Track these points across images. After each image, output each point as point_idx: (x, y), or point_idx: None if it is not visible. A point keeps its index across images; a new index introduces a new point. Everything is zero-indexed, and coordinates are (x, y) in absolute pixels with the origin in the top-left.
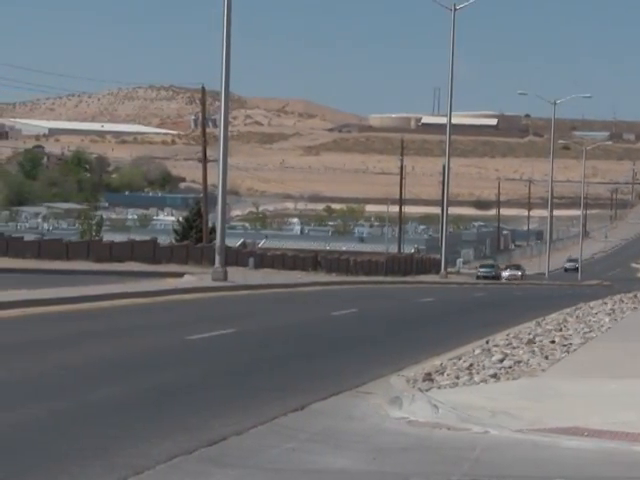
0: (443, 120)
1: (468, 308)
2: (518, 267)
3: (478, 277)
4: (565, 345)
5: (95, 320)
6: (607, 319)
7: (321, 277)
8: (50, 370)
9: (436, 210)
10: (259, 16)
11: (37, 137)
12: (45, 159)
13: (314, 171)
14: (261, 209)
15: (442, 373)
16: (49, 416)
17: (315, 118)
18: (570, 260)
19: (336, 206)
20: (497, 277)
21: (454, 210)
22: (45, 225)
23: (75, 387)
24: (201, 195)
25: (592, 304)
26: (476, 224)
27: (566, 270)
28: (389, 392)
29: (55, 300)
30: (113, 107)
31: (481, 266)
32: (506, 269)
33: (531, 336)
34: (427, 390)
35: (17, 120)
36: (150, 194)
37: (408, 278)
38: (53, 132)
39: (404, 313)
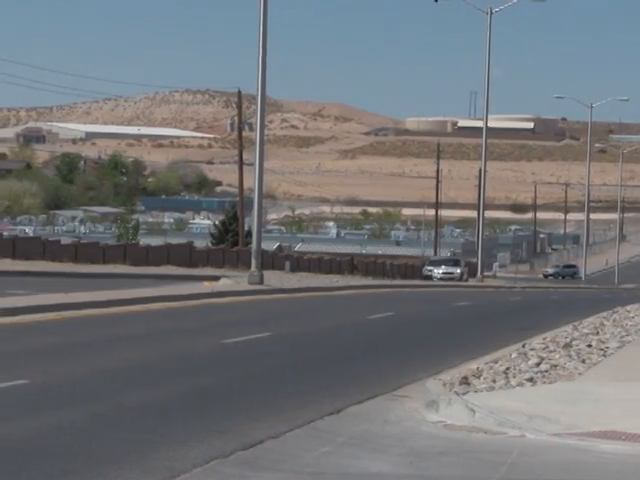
0: (479, 123)
1: (504, 312)
2: (457, 262)
3: (425, 277)
4: (602, 349)
5: (131, 323)
6: None
7: (357, 281)
8: (87, 373)
9: (472, 214)
10: (295, 20)
11: (74, 141)
12: (82, 163)
13: (350, 175)
14: (297, 213)
15: (479, 377)
16: (86, 419)
17: (351, 122)
18: (567, 266)
19: (372, 210)
20: (429, 277)
21: (490, 214)
22: (82, 229)
23: (111, 390)
24: (237, 199)
25: (629, 308)
26: (512, 228)
27: (545, 276)
28: (426, 396)
29: (91, 303)
30: (149, 111)
31: (429, 263)
32: (440, 265)
33: (568, 340)
34: (464, 394)
35: (54, 124)
36: (186, 198)
37: (444, 282)
38: (90, 136)
39: (440, 317)
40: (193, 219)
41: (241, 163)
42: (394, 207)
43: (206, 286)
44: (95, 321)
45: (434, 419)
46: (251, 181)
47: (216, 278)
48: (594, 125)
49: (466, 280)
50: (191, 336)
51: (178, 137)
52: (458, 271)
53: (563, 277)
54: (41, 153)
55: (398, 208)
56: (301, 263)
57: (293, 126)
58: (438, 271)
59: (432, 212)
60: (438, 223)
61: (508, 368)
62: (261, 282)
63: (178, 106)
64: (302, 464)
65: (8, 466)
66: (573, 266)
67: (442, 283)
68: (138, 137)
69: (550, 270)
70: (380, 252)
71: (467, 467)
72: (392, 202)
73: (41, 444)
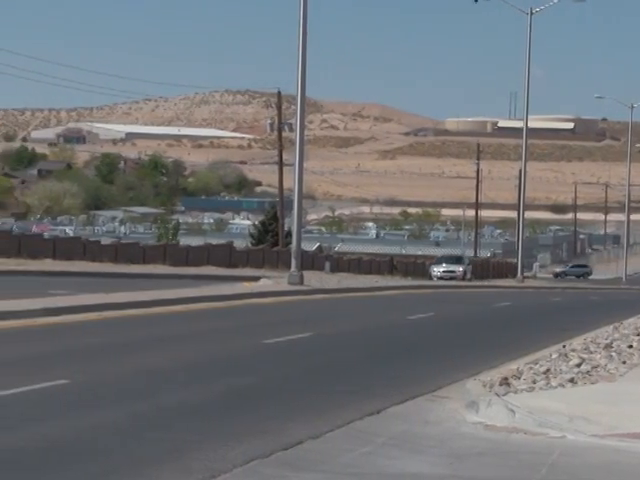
0: (519, 124)
1: (545, 312)
2: (459, 260)
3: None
4: None
5: (172, 324)
6: None
7: (397, 281)
8: (127, 373)
9: (512, 214)
10: (335, 20)
11: (114, 141)
12: (122, 163)
13: (390, 175)
14: (337, 213)
15: (519, 377)
16: (126, 419)
17: (391, 122)
18: (577, 265)
19: (412, 210)
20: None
21: (530, 214)
22: (122, 229)
23: (152, 390)
24: (277, 199)
25: None
26: (553, 228)
27: (555, 276)
28: (465, 396)
29: (132, 304)
30: (189, 111)
31: (436, 261)
32: (440, 262)
33: (608, 341)
34: (504, 394)
35: (94, 124)
36: (226, 198)
37: (484, 282)
38: (130, 136)
39: (480, 317)
40: (233, 219)
41: (281, 164)
42: (434, 207)
43: (246, 286)
44: (136, 321)
45: (474, 420)
46: (291, 181)
47: (256, 278)
48: (635, 125)
49: (469, 279)
50: (232, 336)
51: (218, 137)
52: (460, 269)
53: (578, 277)
54: (81, 154)
55: (438, 208)
56: (341, 263)
57: (333, 126)
58: (438, 269)
59: (472, 212)
60: (478, 223)
61: (548, 369)
62: (301, 282)
63: (218, 106)
64: (342, 464)
65: (49, 466)
66: (584, 266)
67: (483, 284)
68: (178, 137)
69: (558, 269)
70: (420, 253)
71: (507, 468)
72: (432, 202)
73: (81, 444)
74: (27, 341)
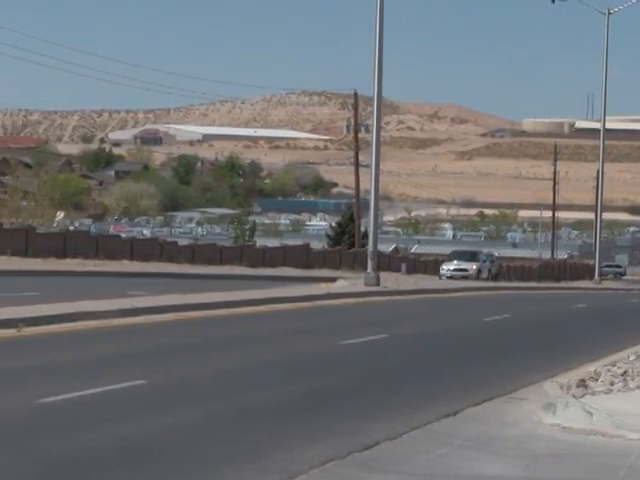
0: (597, 125)
1: (622, 314)
2: (474, 256)
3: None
4: None
5: (248, 324)
6: None
7: (474, 282)
8: (205, 374)
9: (590, 215)
10: (412, 21)
11: (191, 142)
12: (199, 164)
13: (466, 176)
14: (413, 214)
15: (596, 379)
16: (204, 420)
17: (468, 123)
18: (608, 265)
19: (489, 211)
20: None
21: (608, 215)
22: (199, 230)
23: (229, 391)
24: (353, 200)
25: None
26: (631, 229)
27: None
28: (542, 398)
29: (208, 305)
30: (266, 113)
31: (449, 257)
32: (452, 259)
33: None
34: (581, 396)
35: (171, 126)
36: (303, 199)
37: (561, 284)
38: (207, 138)
39: (557, 319)
40: (309, 220)
41: (357, 165)
42: (511, 209)
43: (323, 287)
44: (213, 322)
45: (551, 422)
46: (367, 182)
47: (333, 279)
48: None
49: (486, 279)
50: (308, 337)
51: (294, 139)
52: (474, 267)
53: (614, 276)
54: (158, 155)
55: (515, 210)
56: (417, 265)
57: (409, 127)
58: (448, 268)
59: (549, 214)
60: (555, 225)
61: (626, 371)
62: (377, 284)
63: (294, 108)
64: (418, 466)
65: (126, 466)
66: (617, 266)
67: (560, 285)
68: (255, 139)
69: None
70: (497, 254)
71: (584, 470)
72: (509, 204)
73: (158, 444)
74: (106, 342)
